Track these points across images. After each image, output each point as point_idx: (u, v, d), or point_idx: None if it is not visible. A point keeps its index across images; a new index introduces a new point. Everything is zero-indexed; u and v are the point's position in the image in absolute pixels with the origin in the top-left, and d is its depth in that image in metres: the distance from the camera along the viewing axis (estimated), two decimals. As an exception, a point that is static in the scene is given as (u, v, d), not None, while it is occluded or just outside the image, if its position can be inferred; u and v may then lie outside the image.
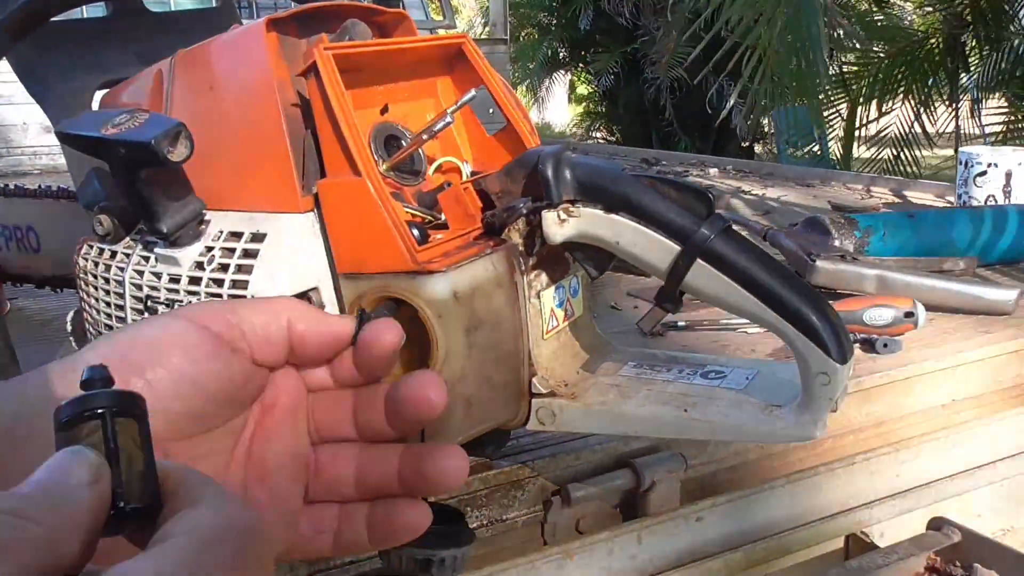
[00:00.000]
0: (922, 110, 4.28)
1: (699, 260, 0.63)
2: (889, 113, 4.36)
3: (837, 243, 1.39)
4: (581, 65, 7.38)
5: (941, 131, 4.42)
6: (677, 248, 0.63)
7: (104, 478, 0.26)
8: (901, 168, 4.32)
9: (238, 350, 0.36)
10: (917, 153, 4.35)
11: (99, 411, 0.27)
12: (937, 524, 0.92)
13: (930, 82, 4.22)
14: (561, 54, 7.31)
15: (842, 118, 4.44)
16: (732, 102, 4.23)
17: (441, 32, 4.36)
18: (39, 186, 1.29)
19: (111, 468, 0.27)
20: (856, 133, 4.44)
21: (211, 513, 0.27)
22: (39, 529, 0.24)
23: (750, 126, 4.63)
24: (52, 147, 3.37)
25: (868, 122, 4.44)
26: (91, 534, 0.25)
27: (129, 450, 0.27)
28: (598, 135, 7.55)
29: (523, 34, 7.50)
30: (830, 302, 0.65)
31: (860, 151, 4.59)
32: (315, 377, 0.40)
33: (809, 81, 3.51)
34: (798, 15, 3.31)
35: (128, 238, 0.72)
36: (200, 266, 0.67)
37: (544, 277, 0.70)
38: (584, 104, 8.20)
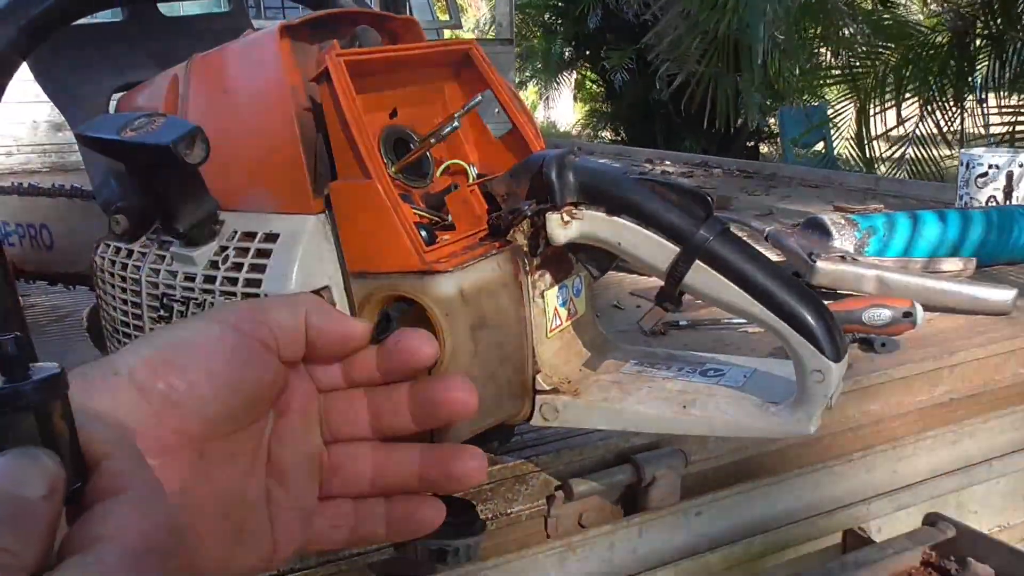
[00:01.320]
0: (928, 110, 4.29)
1: (698, 261, 0.65)
2: (896, 113, 4.37)
3: (837, 244, 1.40)
4: (588, 64, 7.39)
5: (948, 131, 4.42)
6: (676, 249, 0.65)
7: (59, 484, 0.26)
8: (906, 167, 4.33)
9: (269, 349, 0.37)
10: (923, 153, 4.35)
11: (35, 403, 0.26)
12: (932, 520, 0.93)
13: (935, 81, 4.23)
14: (567, 53, 7.32)
15: (834, 117, 4.45)
16: (696, 97, 4.23)
17: (447, 32, 4.38)
18: (53, 184, 1.31)
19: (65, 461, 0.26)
20: (868, 132, 4.44)
21: (138, 515, 0.27)
22: (4, 555, 0.24)
23: (724, 118, 4.64)
24: (61, 145, 3.39)
25: (877, 116, 4.45)
26: (50, 541, 0.25)
27: (60, 432, 0.27)
28: (604, 135, 7.56)
29: (528, 33, 7.51)
30: (828, 302, 0.67)
31: (868, 150, 4.60)
32: (326, 377, 0.41)
33: (800, 78, 3.54)
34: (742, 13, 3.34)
35: (144, 237, 0.75)
36: (215, 265, 0.69)
37: (548, 277, 0.72)
38: (590, 104, 8.21)
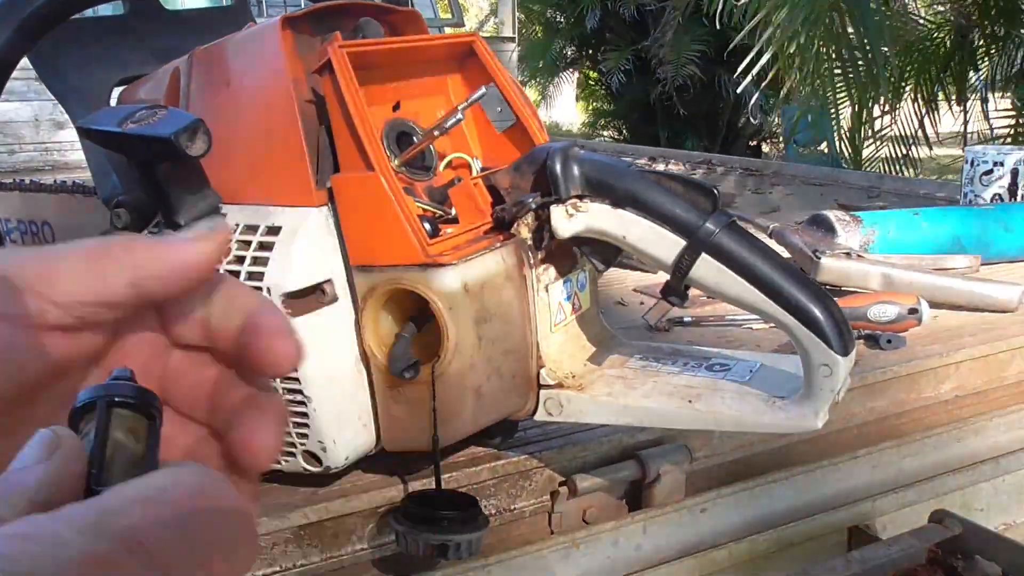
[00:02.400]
0: (929, 108, 4.28)
1: (704, 255, 0.64)
2: (897, 111, 4.36)
3: (842, 240, 1.40)
4: (590, 63, 7.38)
5: (950, 130, 4.42)
6: (683, 243, 0.65)
7: (60, 453, 0.25)
8: (908, 167, 4.32)
9: (33, 328, 0.31)
10: (924, 152, 4.35)
11: (95, 399, 0.26)
12: (939, 517, 0.93)
13: (936, 83, 4.22)
14: (569, 52, 7.31)
15: (837, 115, 4.44)
16: (754, 99, 4.22)
17: (449, 30, 4.37)
18: (55, 181, 1.31)
19: (94, 452, 0.25)
20: (863, 131, 4.43)
21: (166, 473, 0.25)
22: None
23: (769, 124, 4.62)
24: (63, 143, 3.39)
25: (875, 118, 4.44)
26: (34, 506, 0.24)
27: (123, 441, 0.26)
28: (605, 133, 7.55)
29: (531, 32, 7.50)
30: (834, 298, 0.66)
31: (867, 150, 4.59)
32: (180, 324, 0.34)
33: (870, 77, 3.50)
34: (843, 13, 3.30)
35: (146, 231, 0.74)
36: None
37: (552, 271, 0.72)
38: (591, 102, 8.20)
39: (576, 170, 0.67)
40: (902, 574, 0.89)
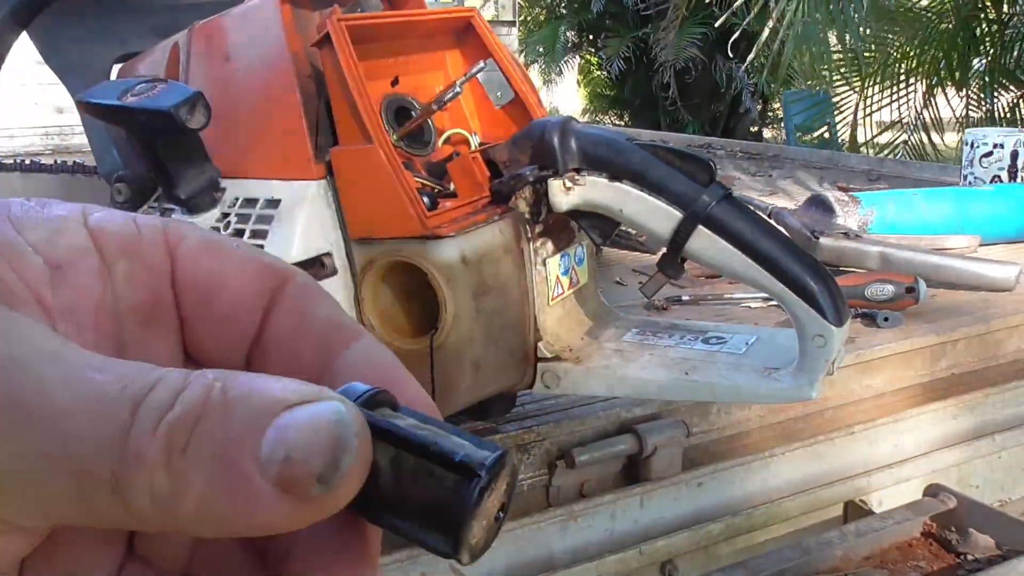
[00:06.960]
0: (933, 93, 4.27)
1: (700, 226, 0.65)
2: (901, 97, 4.35)
3: (841, 221, 1.40)
4: (592, 49, 7.37)
5: (954, 115, 4.40)
6: (679, 215, 0.65)
7: None
8: (910, 152, 4.32)
9: None
10: (927, 137, 4.34)
11: None
12: (934, 491, 0.93)
13: (942, 65, 4.21)
14: (571, 38, 7.29)
15: (838, 102, 4.43)
16: (741, 86, 4.21)
17: (450, 13, 4.37)
18: (55, 161, 1.31)
19: None
20: (867, 117, 4.43)
21: None
22: None
23: (760, 111, 4.62)
24: (63, 127, 3.39)
25: (878, 108, 4.43)
26: None
27: None
28: (607, 119, 7.54)
29: (532, 15, 7.48)
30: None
31: (871, 134, 4.58)
32: None
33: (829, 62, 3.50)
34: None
35: (146, 205, 0.75)
36: (216, 231, 0.69)
37: (550, 245, 0.72)
38: (593, 88, 8.19)
39: (574, 144, 0.67)
40: (897, 547, 0.90)
